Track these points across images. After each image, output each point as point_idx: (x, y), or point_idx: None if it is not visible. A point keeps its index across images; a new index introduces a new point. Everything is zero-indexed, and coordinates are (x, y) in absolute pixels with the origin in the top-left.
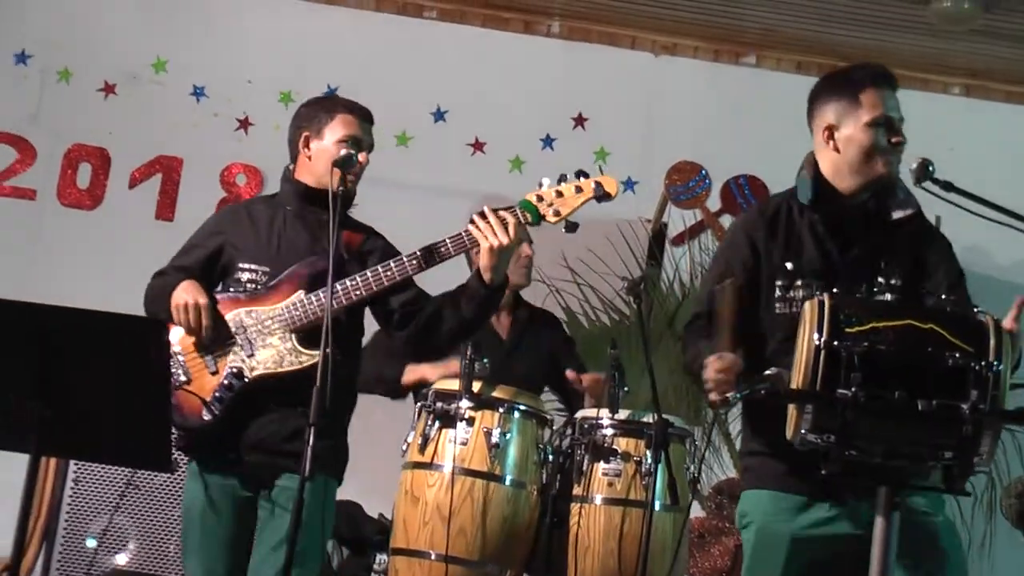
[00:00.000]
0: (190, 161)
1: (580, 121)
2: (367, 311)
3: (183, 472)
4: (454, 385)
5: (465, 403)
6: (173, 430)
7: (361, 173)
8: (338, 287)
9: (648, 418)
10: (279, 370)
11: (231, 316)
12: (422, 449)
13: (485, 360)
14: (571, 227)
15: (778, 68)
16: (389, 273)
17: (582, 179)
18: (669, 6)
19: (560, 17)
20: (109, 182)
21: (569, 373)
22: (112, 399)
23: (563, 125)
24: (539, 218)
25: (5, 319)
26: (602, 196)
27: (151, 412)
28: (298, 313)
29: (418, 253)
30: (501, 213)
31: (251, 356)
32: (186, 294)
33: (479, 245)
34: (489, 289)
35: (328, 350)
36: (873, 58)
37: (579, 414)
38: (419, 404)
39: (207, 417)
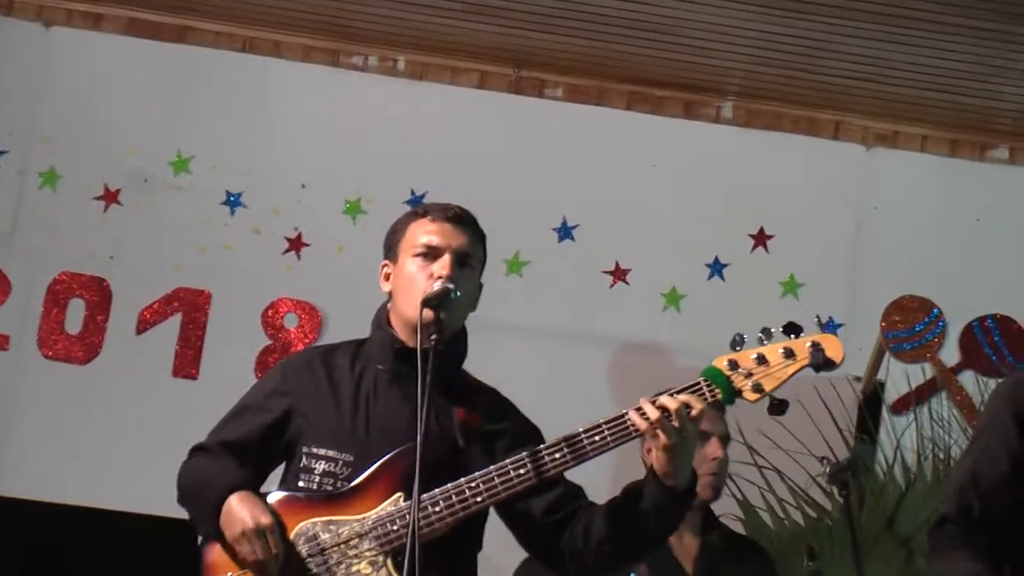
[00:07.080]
0: (221, 296)
1: (761, 239)
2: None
3: None
4: None
5: None
6: None
7: (453, 310)
8: (448, 494)
9: None
10: None
11: (301, 529)
12: None
13: None
14: (778, 407)
15: None
16: (523, 472)
17: (792, 338)
18: (887, 80)
19: (735, 96)
20: (109, 325)
21: None
22: None
23: (738, 245)
24: (732, 395)
25: None
26: (822, 364)
27: None
28: (395, 528)
29: (564, 447)
30: (683, 397)
31: None
32: (245, 514)
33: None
34: (672, 496)
35: None
36: None
37: None
38: None
39: None
